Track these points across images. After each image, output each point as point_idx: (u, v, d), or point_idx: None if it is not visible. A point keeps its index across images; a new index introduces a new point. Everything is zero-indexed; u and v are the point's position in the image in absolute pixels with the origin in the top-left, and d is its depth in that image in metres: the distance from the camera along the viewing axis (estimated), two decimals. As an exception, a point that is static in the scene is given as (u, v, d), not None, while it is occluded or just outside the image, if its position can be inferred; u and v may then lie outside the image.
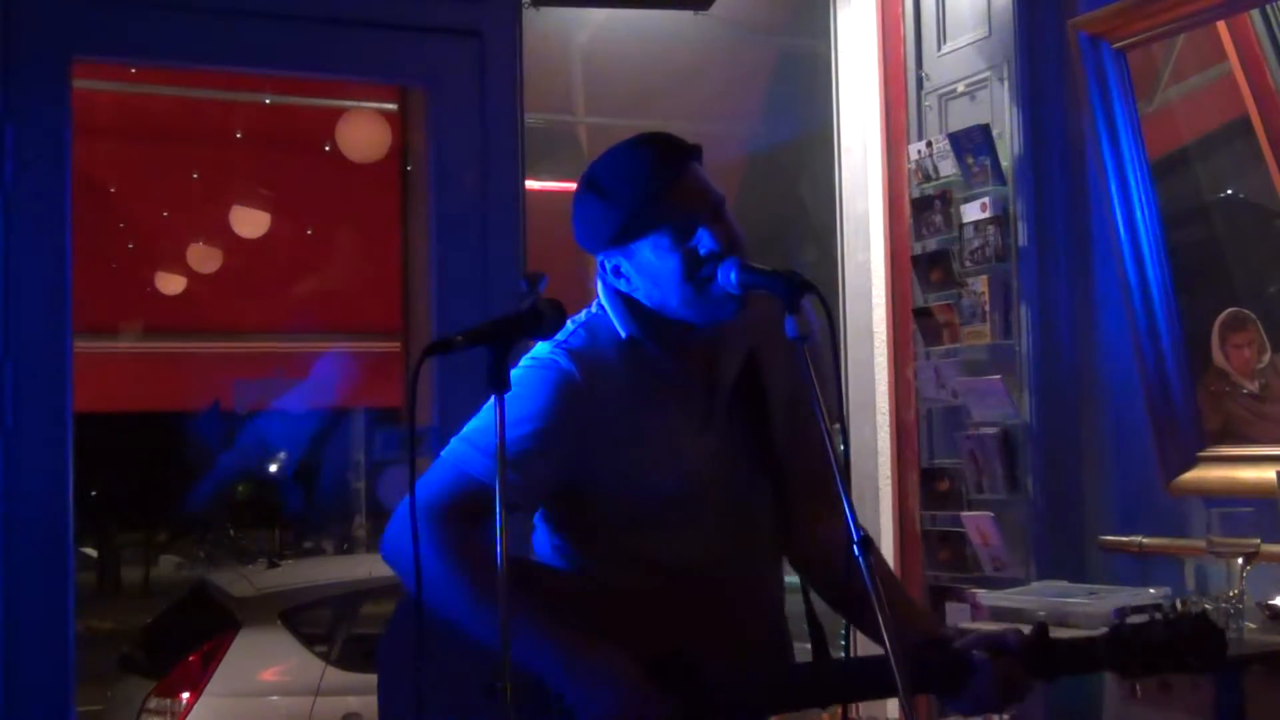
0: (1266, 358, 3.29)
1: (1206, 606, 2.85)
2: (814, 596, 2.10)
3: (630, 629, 1.91)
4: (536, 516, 2.08)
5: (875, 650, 1.91)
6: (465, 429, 1.99)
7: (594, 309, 2.05)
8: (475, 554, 1.90)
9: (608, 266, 1.99)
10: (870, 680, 1.90)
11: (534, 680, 1.85)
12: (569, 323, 1.99)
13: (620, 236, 1.94)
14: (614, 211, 1.93)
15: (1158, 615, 1.82)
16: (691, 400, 2.02)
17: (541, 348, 1.98)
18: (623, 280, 1.99)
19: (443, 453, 1.99)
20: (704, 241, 1.91)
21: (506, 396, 1.87)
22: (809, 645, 2.07)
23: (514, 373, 1.93)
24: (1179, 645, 1.81)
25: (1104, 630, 1.85)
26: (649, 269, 1.94)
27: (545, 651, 1.84)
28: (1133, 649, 1.82)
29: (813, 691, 1.98)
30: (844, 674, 2.00)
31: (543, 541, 2.09)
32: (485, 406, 1.98)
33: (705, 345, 2.02)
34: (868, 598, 1.73)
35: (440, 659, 1.85)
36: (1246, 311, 3.34)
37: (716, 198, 1.95)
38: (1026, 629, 1.93)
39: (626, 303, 2.01)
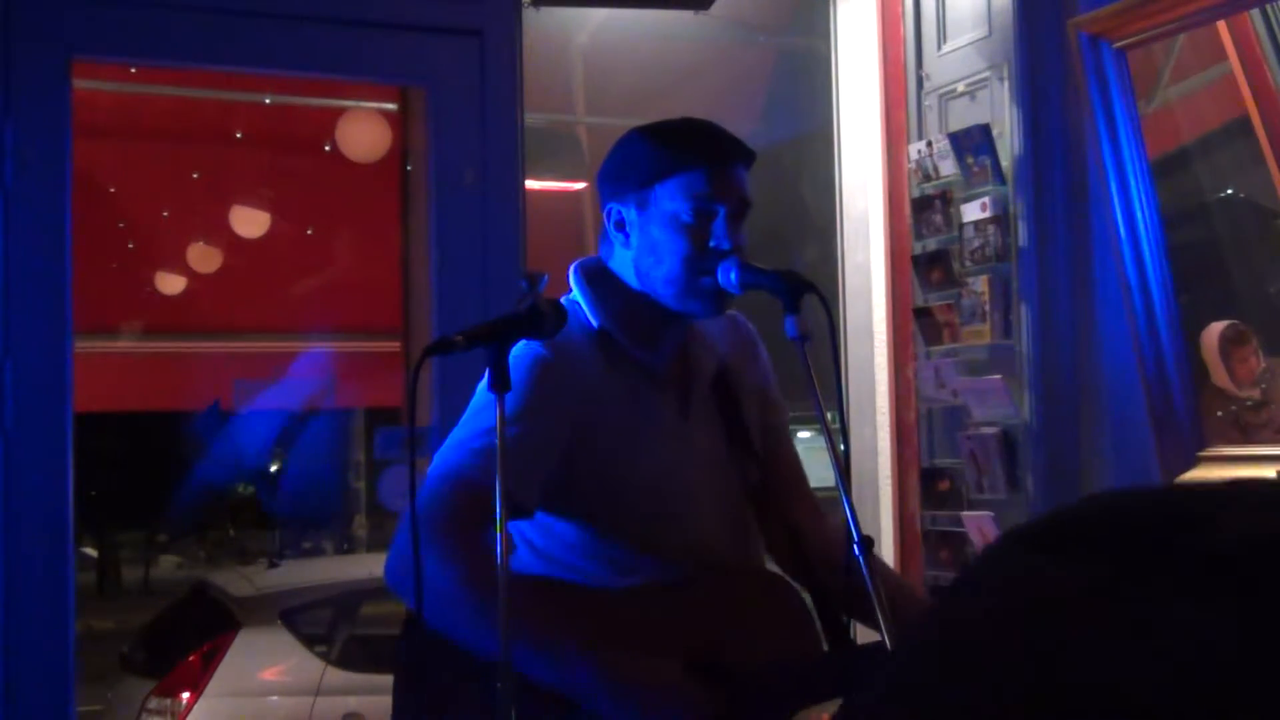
0: (1264, 363, 3.30)
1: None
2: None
3: (658, 631, 1.89)
4: (531, 532, 2.00)
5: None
6: (452, 436, 1.94)
7: (564, 301, 2.03)
8: (492, 572, 1.80)
9: (613, 215, 2.00)
10: None
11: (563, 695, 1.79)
12: None
13: (654, 174, 1.94)
14: (659, 147, 1.95)
15: None
16: (668, 390, 2.02)
17: (517, 345, 1.94)
18: (621, 236, 1.99)
19: (434, 463, 1.94)
20: (718, 232, 1.92)
21: (490, 398, 1.85)
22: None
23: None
24: None
25: None
26: (653, 235, 1.95)
27: (582, 673, 1.79)
28: None
29: (844, 679, 1.94)
30: (871, 660, 1.95)
31: (533, 558, 2.00)
32: (469, 411, 1.95)
33: (677, 343, 2.03)
34: (864, 591, 1.74)
35: (468, 675, 1.82)
36: (1245, 326, 3.34)
37: (747, 202, 1.96)
38: None
39: (598, 294, 2.00)
